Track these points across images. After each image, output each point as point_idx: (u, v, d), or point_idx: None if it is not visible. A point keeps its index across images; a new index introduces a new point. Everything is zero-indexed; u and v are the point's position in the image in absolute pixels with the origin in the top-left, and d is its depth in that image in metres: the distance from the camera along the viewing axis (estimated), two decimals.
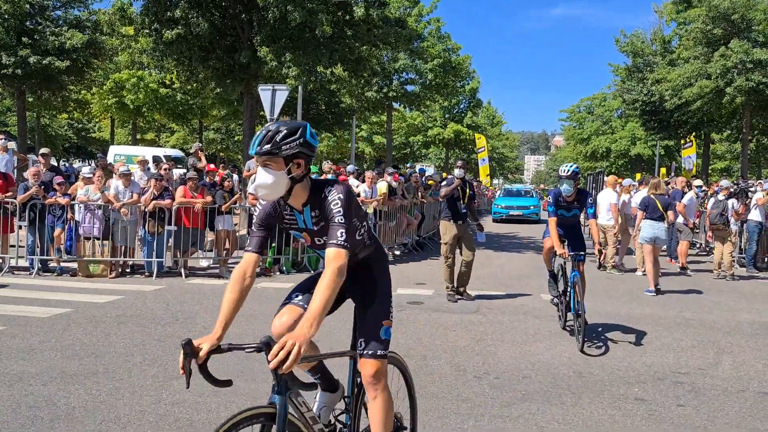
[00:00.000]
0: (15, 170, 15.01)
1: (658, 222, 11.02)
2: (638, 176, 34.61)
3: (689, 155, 27.66)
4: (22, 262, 10.91)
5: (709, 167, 37.62)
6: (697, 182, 15.68)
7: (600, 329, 7.75)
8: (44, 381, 5.20)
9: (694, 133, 29.76)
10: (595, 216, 7.66)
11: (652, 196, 11.30)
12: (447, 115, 47.94)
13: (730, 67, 23.84)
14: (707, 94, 24.87)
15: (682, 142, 29.65)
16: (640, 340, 7.32)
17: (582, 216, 8.05)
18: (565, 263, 7.40)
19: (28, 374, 5.35)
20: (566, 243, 7.29)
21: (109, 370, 5.57)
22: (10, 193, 10.78)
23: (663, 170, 38.30)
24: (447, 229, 9.52)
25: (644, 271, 11.67)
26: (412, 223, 15.40)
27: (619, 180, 15.23)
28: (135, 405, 4.75)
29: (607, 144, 52.51)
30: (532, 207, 28.35)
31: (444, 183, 10.01)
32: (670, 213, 11.35)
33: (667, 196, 11.99)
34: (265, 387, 5.19)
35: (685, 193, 14.86)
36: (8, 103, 41.04)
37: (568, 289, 7.23)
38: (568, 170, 7.25)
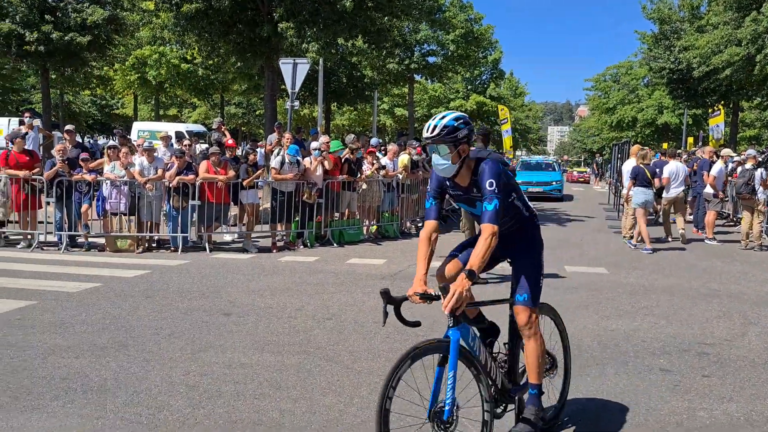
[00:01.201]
0: (40, 147, 15.22)
1: (647, 188, 12.22)
2: (665, 146, 34.02)
3: (717, 124, 27.07)
4: (51, 238, 11.13)
5: (738, 135, 36.82)
6: (726, 151, 15.25)
7: (626, 302, 7.71)
8: (76, 354, 5.33)
9: (722, 102, 29.09)
10: (494, 219, 3.42)
11: (641, 165, 12.34)
12: (469, 87, 47.53)
13: (761, 33, 23.13)
14: (737, 62, 24.22)
15: (710, 110, 29.00)
16: (666, 311, 7.27)
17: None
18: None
19: (60, 347, 5.49)
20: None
21: (139, 342, 5.69)
22: (36, 170, 10.95)
23: (690, 139, 37.60)
24: None
25: (639, 240, 12.20)
26: None
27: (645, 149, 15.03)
28: (165, 376, 4.86)
29: (634, 113, 51.61)
30: (554, 182, 25.38)
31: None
32: (656, 180, 12.52)
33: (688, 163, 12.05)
34: (291, 359, 5.28)
35: (713, 162, 14.59)
36: (32, 80, 41.46)
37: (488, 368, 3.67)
38: (436, 126, 3.56)
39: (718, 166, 13.82)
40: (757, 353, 5.77)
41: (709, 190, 13.43)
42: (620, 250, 11.98)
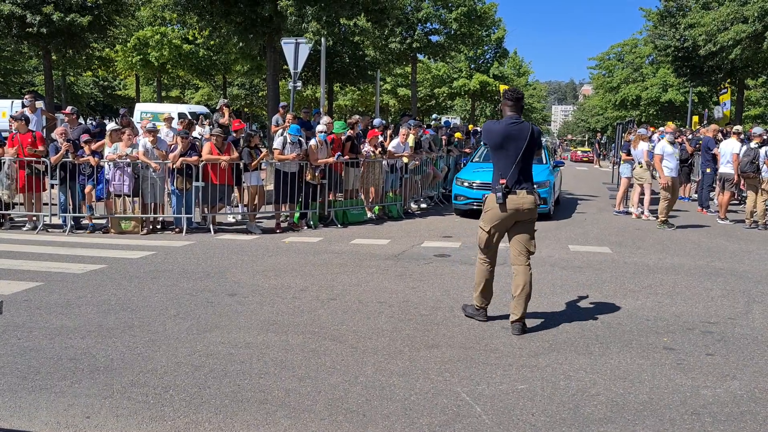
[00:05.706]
0: (44, 129, 15.18)
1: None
2: (670, 124, 33.73)
3: (725, 102, 26.89)
4: (56, 220, 11.17)
5: (743, 114, 36.53)
6: (738, 127, 14.88)
7: (630, 281, 7.72)
8: (83, 334, 5.37)
9: (729, 80, 28.84)
10: None
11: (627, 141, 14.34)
12: (473, 66, 47.17)
13: None
14: (744, 39, 23.95)
15: (718, 88, 28.75)
16: (669, 290, 7.28)
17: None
18: None
19: (67, 328, 5.53)
20: None
21: (145, 323, 5.72)
22: (41, 152, 10.94)
23: (695, 118, 37.37)
24: None
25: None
26: (438, 176, 15.34)
27: (652, 129, 15.02)
28: (171, 357, 4.89)
29: (638, 92, 51.24)
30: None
31: None
32: (623, 154, 14.41)
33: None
34: (295, 339, 5.31)
35: (718, 140, 14.48)
36: (34, 62, 41.31)
37: None
38: None
39: (738, 145, 13.18)
40: (761, 331, 5.79)
41: (729, 170, 13.12)
42: (624, 229, 11.97)
